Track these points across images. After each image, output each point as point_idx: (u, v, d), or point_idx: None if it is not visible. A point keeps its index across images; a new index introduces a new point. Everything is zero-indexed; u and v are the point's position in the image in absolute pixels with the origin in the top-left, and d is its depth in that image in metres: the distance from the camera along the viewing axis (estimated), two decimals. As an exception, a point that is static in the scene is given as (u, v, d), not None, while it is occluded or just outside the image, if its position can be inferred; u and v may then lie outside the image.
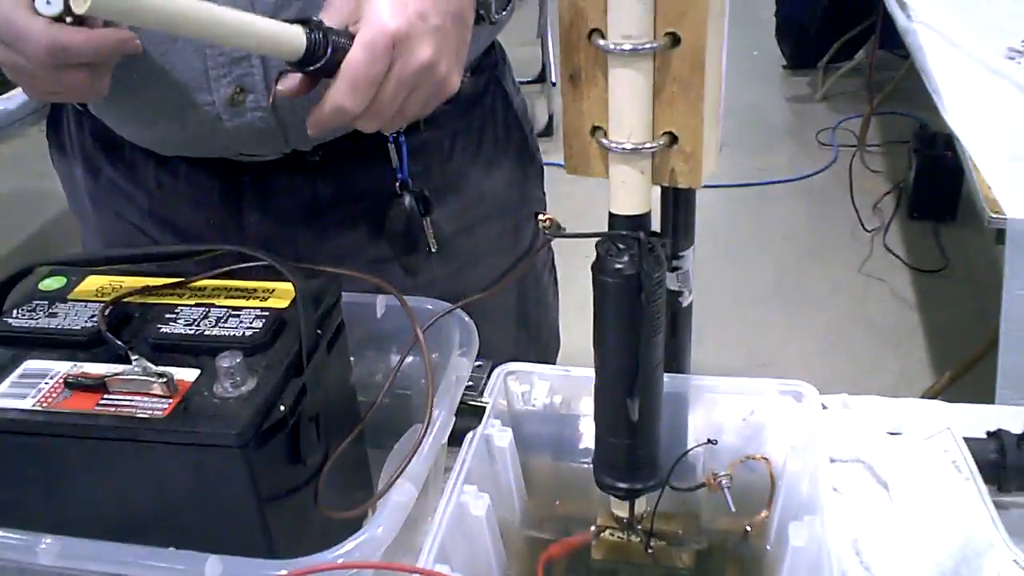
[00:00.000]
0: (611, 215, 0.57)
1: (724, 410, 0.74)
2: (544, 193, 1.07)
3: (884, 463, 0.72)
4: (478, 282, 0.96)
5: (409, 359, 0.77)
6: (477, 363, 0.81)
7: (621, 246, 0.56)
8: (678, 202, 0.65)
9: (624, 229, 0.57)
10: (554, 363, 1.12)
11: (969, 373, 1.95)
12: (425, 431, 0.63)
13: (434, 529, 0.57)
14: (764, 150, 3.45)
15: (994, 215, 1.33)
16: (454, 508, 0.59)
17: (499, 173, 0.98)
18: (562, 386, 0.73)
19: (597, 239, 0.58)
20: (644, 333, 0.58)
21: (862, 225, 2.79)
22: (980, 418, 0.85)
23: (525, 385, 0.76)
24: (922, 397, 2.05)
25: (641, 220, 0.57)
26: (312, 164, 0.86)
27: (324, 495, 0.66)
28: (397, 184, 0.85)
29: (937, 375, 2.20)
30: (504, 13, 0.77)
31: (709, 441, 0.65)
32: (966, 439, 0.80)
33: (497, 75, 0.98)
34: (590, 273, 0.58)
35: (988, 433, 0.82)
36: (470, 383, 0.74)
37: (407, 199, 0.84)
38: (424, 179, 0.88)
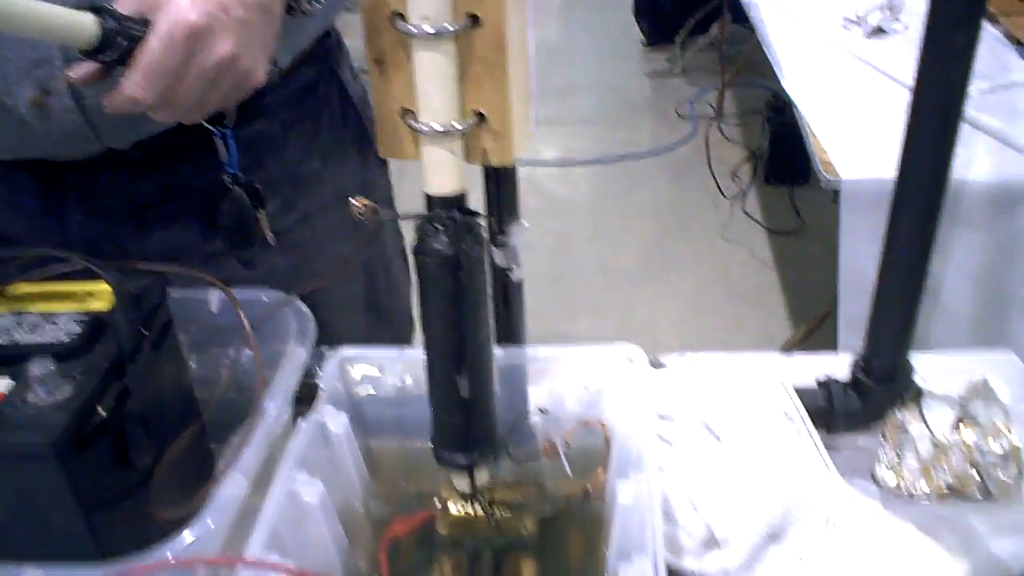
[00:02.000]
0: (427, 196, 0.57)
1: (565, 379, 0.75)
2: (388, 180, 1.06)
3: (718, 418, 0.75)
4: (322, 271, 0.95)
5: (250, 352, 0.76)
6: (323, 350, 0.80)
7: (438, 227, 0.57)
8: (500, 179, 0.66)
9: (440, 210, 0.57)
10: (411, 344, 1.12)
11: (824, 324, 2.05)
12: (256, 421, 0.62)
13: (263, 517, 0.57)
14: (626, 125, 3.52)
15: (829, 177, 1.39)
16: (285, 496, 0.59)
17: (338, 161, 0.97)
18: (404, 367, 0.73)
19: (416, 221, 0.58)
20: (468, 311, 0.58)
21: (721, 193, 2.89)
22: (813, 367, 0.89)
23: (373, 369, 0.75)
24: (781, 350, 2.16)
25: (457, 200, 0.57)
26: (135, 160, 0.83)
27: (163, 494, 0.65)
28: (226, 178, 0.83)
29: (796, 330, 2.30)
30: (320, 3, 0.76)
31: (540, 411, 0.67)
32: (798, 389, 0.84)
33: (331, 63, 0.96)
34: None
35: (817, 382, 0.86)
36: (311, 372, 0.74)
37: (237, 193, 0.82)
38: (257, 171, 0.86)
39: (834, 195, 1.42)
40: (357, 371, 0.72)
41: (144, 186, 0.85)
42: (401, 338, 1.11)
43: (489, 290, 0.62)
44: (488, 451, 0.64)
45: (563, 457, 0.66)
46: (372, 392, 0.73)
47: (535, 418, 0.69)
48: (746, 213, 2.84)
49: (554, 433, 0.71)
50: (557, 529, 0.71)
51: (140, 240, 0.86)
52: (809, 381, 0.87)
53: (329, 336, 0.80)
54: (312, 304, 0.80)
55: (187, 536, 0.55)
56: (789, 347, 2.18)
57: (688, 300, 2.55)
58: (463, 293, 0.58)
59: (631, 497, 0.59)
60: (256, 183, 0.83)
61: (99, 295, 0.69)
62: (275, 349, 0.75)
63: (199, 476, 0.76)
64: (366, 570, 0.67)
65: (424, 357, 0.61)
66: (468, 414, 0.62)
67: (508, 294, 0.71)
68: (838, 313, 1.46)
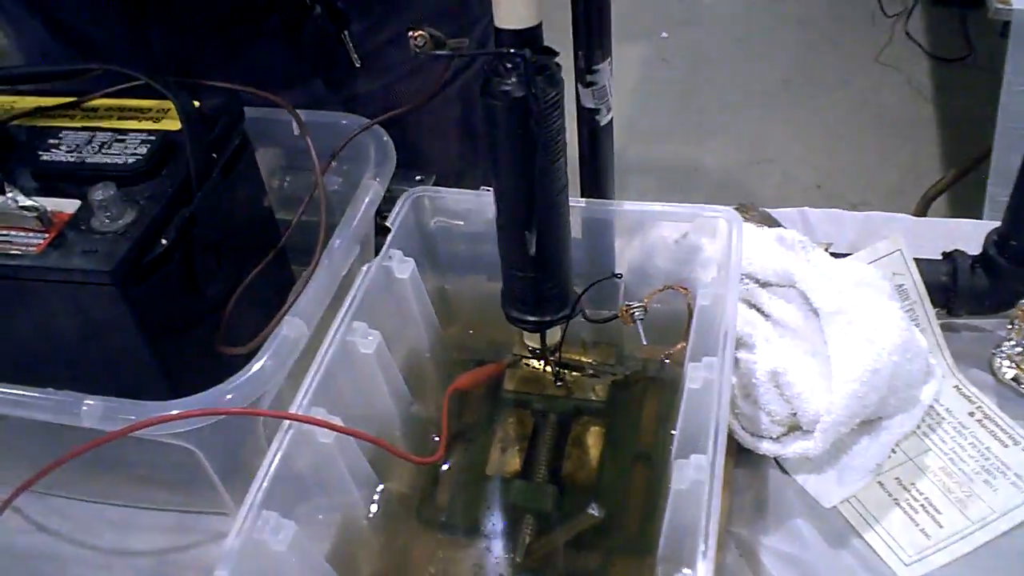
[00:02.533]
0: (496, 30, 0.50)
1: (657, 233, 0.69)
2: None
3: (820, 289, 0.68)
4: (415, 97, 0.89)
5: (340, 179, 0.73)
6: (418, 178, 0.77)
7: (508, 65, 0.50)
8: (588, 4, 0.58)
9: (511, 45, 0.50)
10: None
11: (976, 171, 1.87)
12: (316, 261, 0.60)
13: (312, 370, 0.55)
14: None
15: (1000, 5, 1.22)
16: (338, 347, 0.57)
17: None
18: (485, 207, 0.68)
19: (484, 59, 0.51)
20: (539, 161, 0.52)
21: (883, 9, 2.61)
22: (944, 234, 0.81)
23: (450, 206, 0.71)
24: (925, 194, 2.00)
25: (531, 34, 0.50)
26: None
27: (239, 324, 0.64)
28: None
29: (946, 171, 2.12)
30: None
31: (614, 275, 0.61)
32: (920, 260, 0.76)
33: None
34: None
35: (943, 254, 0.77)
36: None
37: (318, 11, 0.76)
38: None
39: (1004, 27, 1.25)
40: (432, 208, 0.68)
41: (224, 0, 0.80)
42: None
43: (572, 136, 0.56)
44: (560, 311, 0.60)
45: (638, 324, 0.61)
46: (450, 229, 0.69)
47: (611, 279, 0.63)
48: (908, 35, 2.57)
49: (639, 293, 0.66)
50: (629, 396, 0.67)
51: (224, 59, 0.82)
52: (936, 249, 0.78)
53: (423, 163, 0.76)
54: (403, 129, 0.75)
55: (244, 378, 0.54)
56: (934, 192, 2.01)
57: (831, 127, 2.37)
58: (533, 141, 0.51)
59: (700, 383, 0.54)
60: (338, 2, 0.77)
61: (174, 113, 0.66)
62: (356, 178, 0.71)
63: (280, 304, 0.76)
64: (430, 419, 0.66)
65: (495, 207, 0.56)
66: (538, 272, 0.58)
67: (595, 140, 0.64)
68: (991, 162, 1.32)
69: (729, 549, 0.64)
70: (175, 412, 0.52)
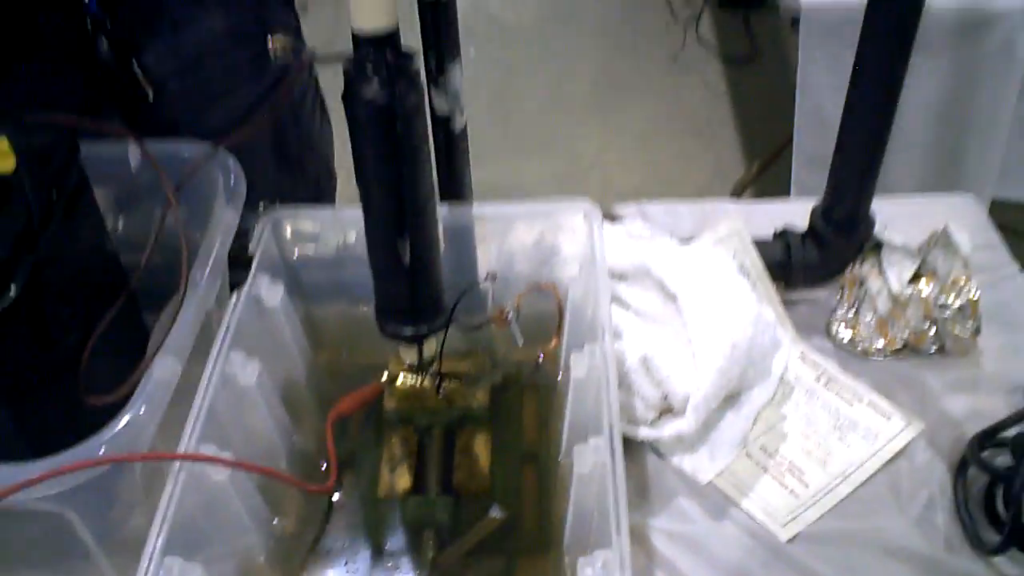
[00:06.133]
0: (354, 35, 0.50)
1: (516, 238, 0.71)
2: (296, 17, 0.95)
3: (674, 275, 0.72)
4: (219, 124, 0.87)
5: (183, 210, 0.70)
6: (259, 208, 0.74)
7: (369, 70, 0.50)
8: (437, 11, 0.59)
9: (371, 49, 0.50)
10: (332, 201, 1.05)
11: (778, 161, 2.01)
12: (183, 298, 0.58)
13: (196, 405, 0.53)
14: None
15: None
16: (218, 379, 0.54)
17: None
18: (342, 225, 0.67)
19: (342, 64, 0.51)
20: (406, 166, 0.52)
21: (673, 15, 2.77)
22: (771, 214, 0.86)
23: (309, 229, 0.70)
24: (733, 189, 2.13)
25: (390, 38, 0.50)
26: None
27: (96, 376, 0.60)
28: (88, 21, 0.74)
29: (750, 165, 2.27)
30: None
31: (489, 276, 0.62)
32: (755, 241, 0.81)
33: None
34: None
35: (775, 233, 0.83)
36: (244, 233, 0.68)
37: (103, 43, 0.73)
38: (126, 11, 0.76)
39: (792, 21, 1.35)
40: (291, 233, 0.67)
41: None
42: (322, 194, 1.04)
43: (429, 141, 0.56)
44: (435, 320, 0.61)
45: (513, 325, 0.63)
46: (310, 255, 0.68)
47: (484, 283, 0.64)
48: (699, 38, 2.74)
49: (504, 298, 0.68)
50: (509, 399, 0.68)
51: (11, 91, 0.76)
52: (767, 229, 0.83)
53: (248, 190, 0.74)
54: None
55: (118, 427, 0.51)
56: (742, 184, 2.15)
57: (639, 133, 2.48)
58: (400, 146, 0.51)
59: (584, 370, 0.56)
60: (123, 27, 0.74)
61: (3, 152, 0.62)
62: (203, 209, 0.69)
63: (133, 352, 0.72)
64: (313, 450, 0.64)
65: (363, 216, 0.56)
66: (412, 281, 0.58)
67: (450, 144, 0.65)
68: (793, 149, 1.42)
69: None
70: (54, 468, 0.48)
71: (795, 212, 0.85)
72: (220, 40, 0.85)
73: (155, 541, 0.46)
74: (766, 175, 2.06)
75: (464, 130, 0.65)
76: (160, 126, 0.81)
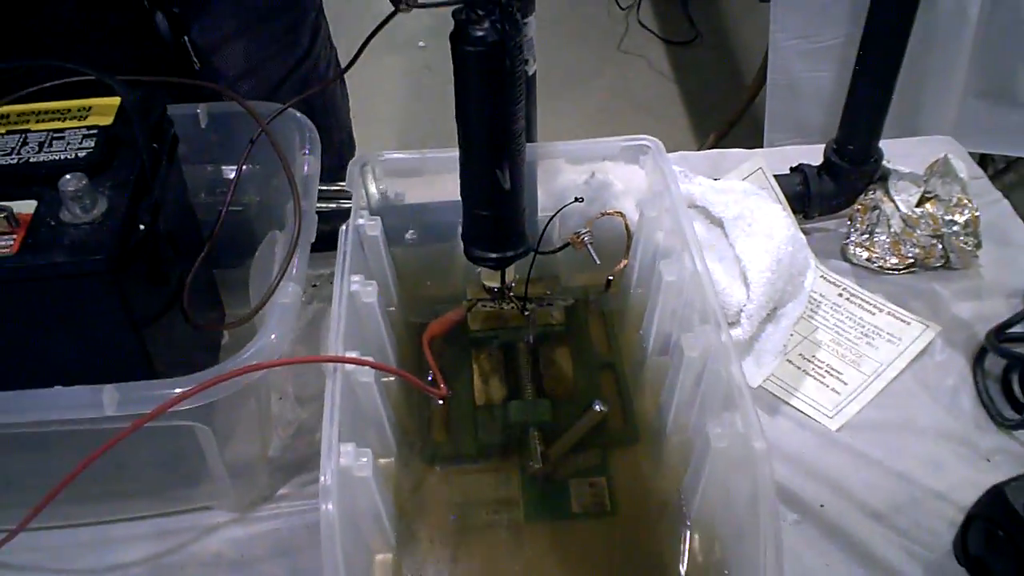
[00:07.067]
0: (465, -20, 0.56)
1: (567, 174, 0.77)
2: None
3: (717, 204, 0.79)
4: (252, 92, 0.91)
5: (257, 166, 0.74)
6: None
7: (480, 12, 0.56)
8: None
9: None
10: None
11: (732, 130, 2.12)
12: (298, 233, 0.62)
13: (335, 318, 0.57)
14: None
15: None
16: (347, 297, 0.59)
17: None
18: (425, 168, 0.73)
19: (453, 7, 0.57)
20: (512, 99, 0.58)
21: (617, 3, 2.86)
22: (783, 157, 0.94)
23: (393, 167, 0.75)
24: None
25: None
26: None
27: (193, 311, 0.65)
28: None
29: (699, 140, 2.37)
30: None
31: (576, 199, 0.68)
32: (775, 175, 0.89)
33: None
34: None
35: (791, 168, 0.91)
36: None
37: (159, 17, 0.77)
38: None
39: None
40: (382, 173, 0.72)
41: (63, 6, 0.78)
42: (343, 158, 1.08)
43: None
44: (520, 246, 0.66)
45: (590, 247, 0.69)
46: (391, 197, 0.73)
47: (573, 204, 0.70)
48: (641, 23, 2.84)
49: (565, 227, 0.74)
50: (579, 316, 0.74)
51: (66, 58, 0.80)
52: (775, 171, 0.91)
53: None
54: None
55: (254, 346, 0.55)
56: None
57: (589, 114, 2.56)
58: (507, 82, 0.57)
59: (675, 274, 0.62)
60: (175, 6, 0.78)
61: (98, 110, 0.65)
62: (269, 163, 0.73)
63: (210, 299, 0.76)
64: (409, 368, 0.69)
65: (459, 152, 0.61)
66: (506, 208, 0.63)
67: (527, 87, 0.71)
68: (754, 118, 1.50)
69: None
70: (220, 374, 0.52)
71: (801, 155, 0.93)
72: (258, 12, 0.89)
73: (330, 429, 0.50)
74: (723, 145, 2.16)
75: (535, 75, 0.71)
76: (203, 98, 0.85)
